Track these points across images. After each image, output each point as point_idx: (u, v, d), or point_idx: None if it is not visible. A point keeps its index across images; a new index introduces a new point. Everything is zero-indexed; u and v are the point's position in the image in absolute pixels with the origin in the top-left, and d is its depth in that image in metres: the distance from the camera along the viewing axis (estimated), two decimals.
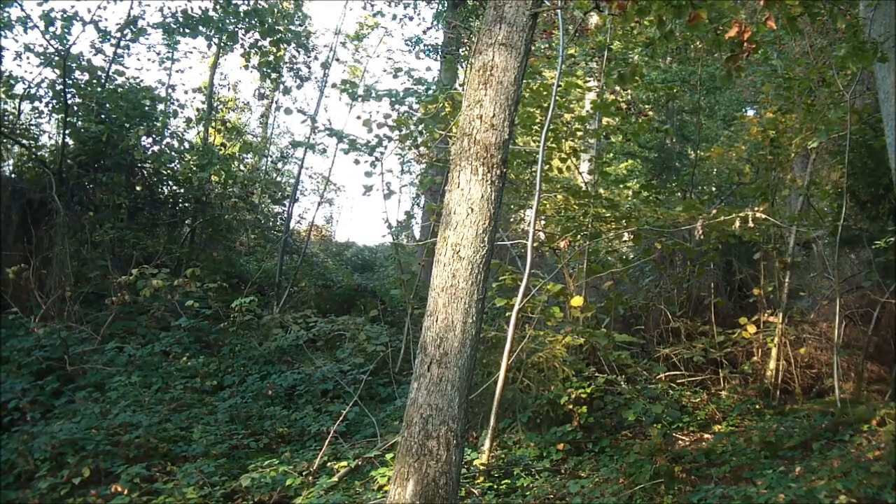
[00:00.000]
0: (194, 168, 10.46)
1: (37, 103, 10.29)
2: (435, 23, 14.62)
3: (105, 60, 10.59)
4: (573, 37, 7.76)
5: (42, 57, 9.89)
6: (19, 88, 10.21)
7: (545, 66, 7.77)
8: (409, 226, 15.16)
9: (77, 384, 7.21)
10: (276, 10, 11.76)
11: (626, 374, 6.95)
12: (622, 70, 5.65)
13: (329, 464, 5.84)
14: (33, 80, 10.16)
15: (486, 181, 3.49)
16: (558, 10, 4.82)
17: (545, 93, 6.94)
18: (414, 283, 9.12)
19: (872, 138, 7.15)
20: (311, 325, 8.74)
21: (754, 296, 7.83)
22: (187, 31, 10.96)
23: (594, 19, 7.85)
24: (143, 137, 10.27)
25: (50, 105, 10.25)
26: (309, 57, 12.69)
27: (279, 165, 16.46)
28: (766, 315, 7.64)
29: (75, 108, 10.01)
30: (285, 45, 12.13)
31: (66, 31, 9.84)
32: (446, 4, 13.80)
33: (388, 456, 5.70)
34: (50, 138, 11.25)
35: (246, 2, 11.21)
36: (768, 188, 7.95)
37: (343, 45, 15.98)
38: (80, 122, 9.90)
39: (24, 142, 10.34)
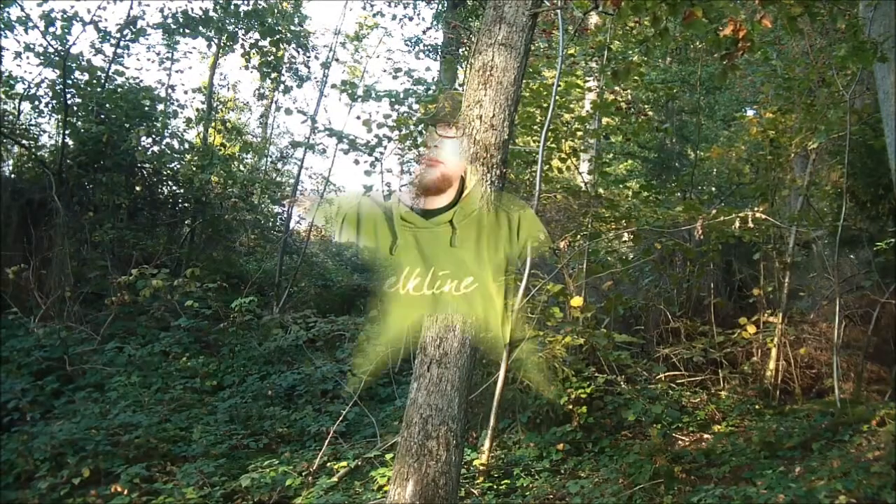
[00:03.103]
0: (195, 168, 10.47)
1: (37, 103, 10.31)
2: (435, 23, 14.62)
3: (105, 60, 10.61)
4: (573, 37, 7.75)
5: (42, 57, 9.89)
6: (19, 88, 10.24)
7: (545, 66, 7.77)
8: None
9: (77, 384, 7.21)
10: (275, 10, 11.77)
11: (625, 374, 6.94)
12: (616, 67, 5.62)
13: (329, 464, 5.83)
14: (33, 80, 10.21)
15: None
16: (558, 10, 4.82)
17: (545, 93, 6.93)
18: None
19: (872, 138, 7.14)
20: (310, 326, 8.72)
21: (754, 296, 7.82)
22: (187, 31, 10.97)
23: (594, 19, 7.85)
24: (143, 138, 10.28)
25: (50, 105, 10.26)
26: (308, 57, 12.72)
27: (279, 165, 16.47)
28: (765, 315, 7.64)
29: (75, 108, 10.01)
30: (285, 46, 12.14)
31: (66, 31, 9.85)
32: (446, 4, 13.80)
33: (388, 456, 5.70)
34: (50, 138, 11.28)
35: (246, 2, 11.22)
36: (768, 188, 7.95)
37: (343, 46, 15.96)
38: (80, 123, 9.90)
39: (24, 142, 10.35)
